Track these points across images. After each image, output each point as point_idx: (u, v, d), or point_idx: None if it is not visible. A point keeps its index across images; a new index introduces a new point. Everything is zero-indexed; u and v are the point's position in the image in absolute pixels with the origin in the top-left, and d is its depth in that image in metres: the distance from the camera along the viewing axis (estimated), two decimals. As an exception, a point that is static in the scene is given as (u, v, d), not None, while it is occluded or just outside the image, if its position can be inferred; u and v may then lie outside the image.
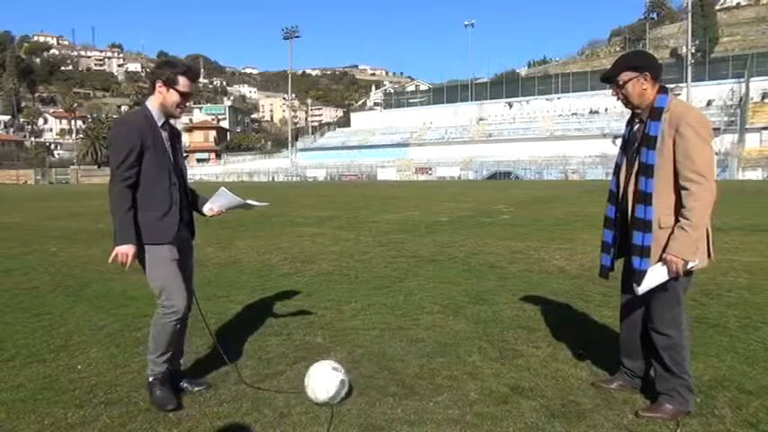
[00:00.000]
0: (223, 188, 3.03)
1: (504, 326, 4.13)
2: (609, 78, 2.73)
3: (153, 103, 2.83)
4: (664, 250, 2.58)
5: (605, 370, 3.21)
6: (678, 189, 2.55)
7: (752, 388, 2.94)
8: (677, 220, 2.55)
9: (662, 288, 2.62)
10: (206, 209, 3.07)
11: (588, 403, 2.82)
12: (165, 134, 2.85)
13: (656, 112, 2.60)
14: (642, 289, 2.62)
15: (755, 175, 42.00)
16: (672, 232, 2.56)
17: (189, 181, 3.08)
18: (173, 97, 2.80)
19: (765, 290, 5.13)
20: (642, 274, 2.63)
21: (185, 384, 3.05)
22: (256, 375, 3.25)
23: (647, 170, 2.60)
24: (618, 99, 2.74)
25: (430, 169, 58.71)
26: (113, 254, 2.73)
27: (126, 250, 2.72)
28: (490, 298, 4.99)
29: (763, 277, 5.66)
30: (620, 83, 2.68)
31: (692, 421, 2.60)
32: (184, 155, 3.16)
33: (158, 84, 2.80)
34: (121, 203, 2.72)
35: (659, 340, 2.71)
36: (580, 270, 6.25)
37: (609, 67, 2.82)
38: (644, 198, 2.60)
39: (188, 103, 2.83)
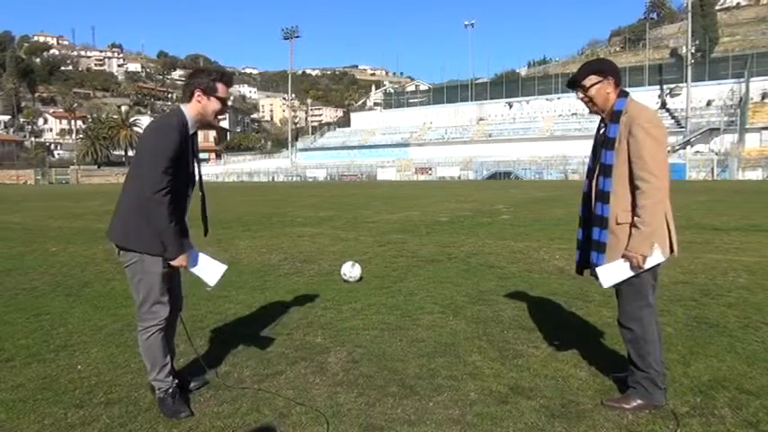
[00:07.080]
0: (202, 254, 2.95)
1: (504, 326, 4.14)
2: (575, 82, 2.84)
3: (190, 112, 2.71)
4: (622, 245, 2.69)
5: (606, 370, 3.21)
6: (633, 188, 2.67)
7: (752, 388, 2.94)
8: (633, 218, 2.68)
9: (625, 283, 2.73)
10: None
11: (588, 403, 2.82)
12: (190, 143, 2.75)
13: (615, 115, 2.73)
14: (607, 283, 2.74)
15: (755, 175, 42.00)
16: (630, 230, 2.68)
17: None
18: (213, 105, 2.71)
19: (765, 290, 5.13)
20: (599, 267, 2.77)
21: (193, 385, 3.06)
22: (256, 375, 3.25)
23: (605, 170, 2.73)
24: (584, 102, 2.85)
25: (430, 169, 58.70)
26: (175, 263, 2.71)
27: (181, 261, 2.73)
28: (490, 298, 4.99)
29: (763, 277, 5.66)
30: (587, 86, 2.79)
31: (692, 421, 2.60)
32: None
33: (197, 93, 2.70)
34: (167, 216, 2.58)
35: (624, 333, 2.84)
36: (580, 270, 6.25)
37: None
38: (602, 196, 2.75)
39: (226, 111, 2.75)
